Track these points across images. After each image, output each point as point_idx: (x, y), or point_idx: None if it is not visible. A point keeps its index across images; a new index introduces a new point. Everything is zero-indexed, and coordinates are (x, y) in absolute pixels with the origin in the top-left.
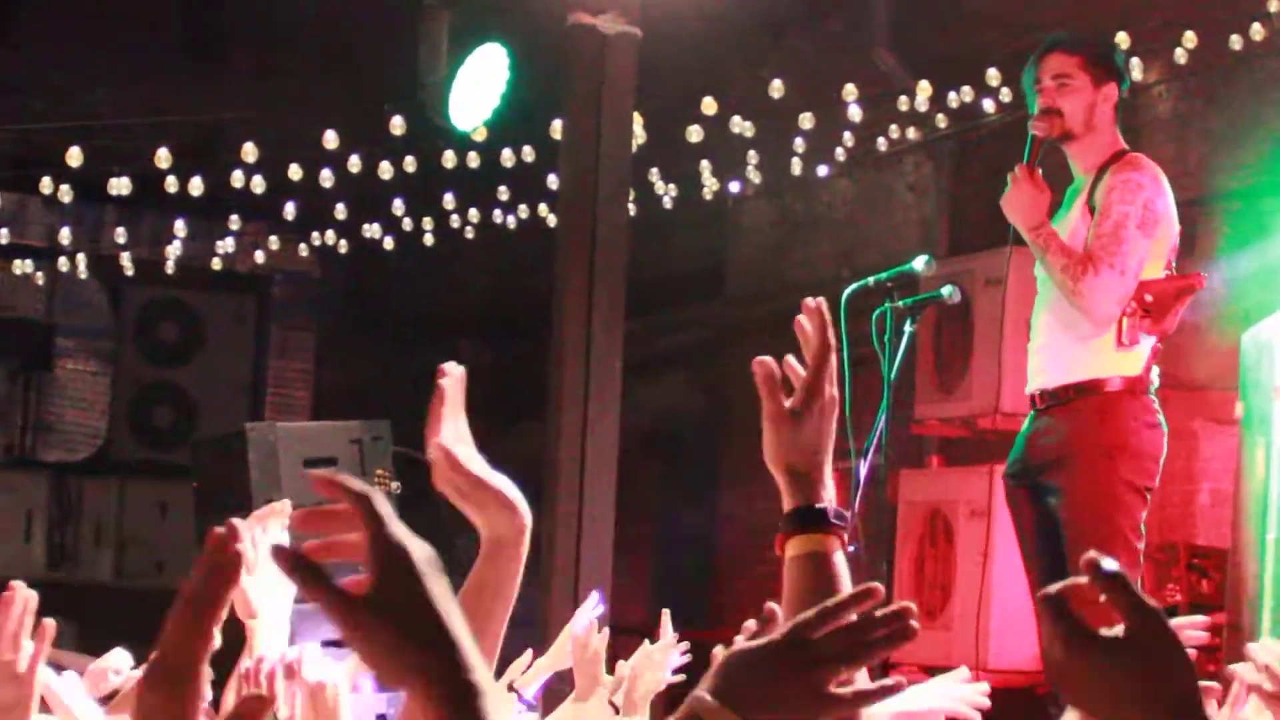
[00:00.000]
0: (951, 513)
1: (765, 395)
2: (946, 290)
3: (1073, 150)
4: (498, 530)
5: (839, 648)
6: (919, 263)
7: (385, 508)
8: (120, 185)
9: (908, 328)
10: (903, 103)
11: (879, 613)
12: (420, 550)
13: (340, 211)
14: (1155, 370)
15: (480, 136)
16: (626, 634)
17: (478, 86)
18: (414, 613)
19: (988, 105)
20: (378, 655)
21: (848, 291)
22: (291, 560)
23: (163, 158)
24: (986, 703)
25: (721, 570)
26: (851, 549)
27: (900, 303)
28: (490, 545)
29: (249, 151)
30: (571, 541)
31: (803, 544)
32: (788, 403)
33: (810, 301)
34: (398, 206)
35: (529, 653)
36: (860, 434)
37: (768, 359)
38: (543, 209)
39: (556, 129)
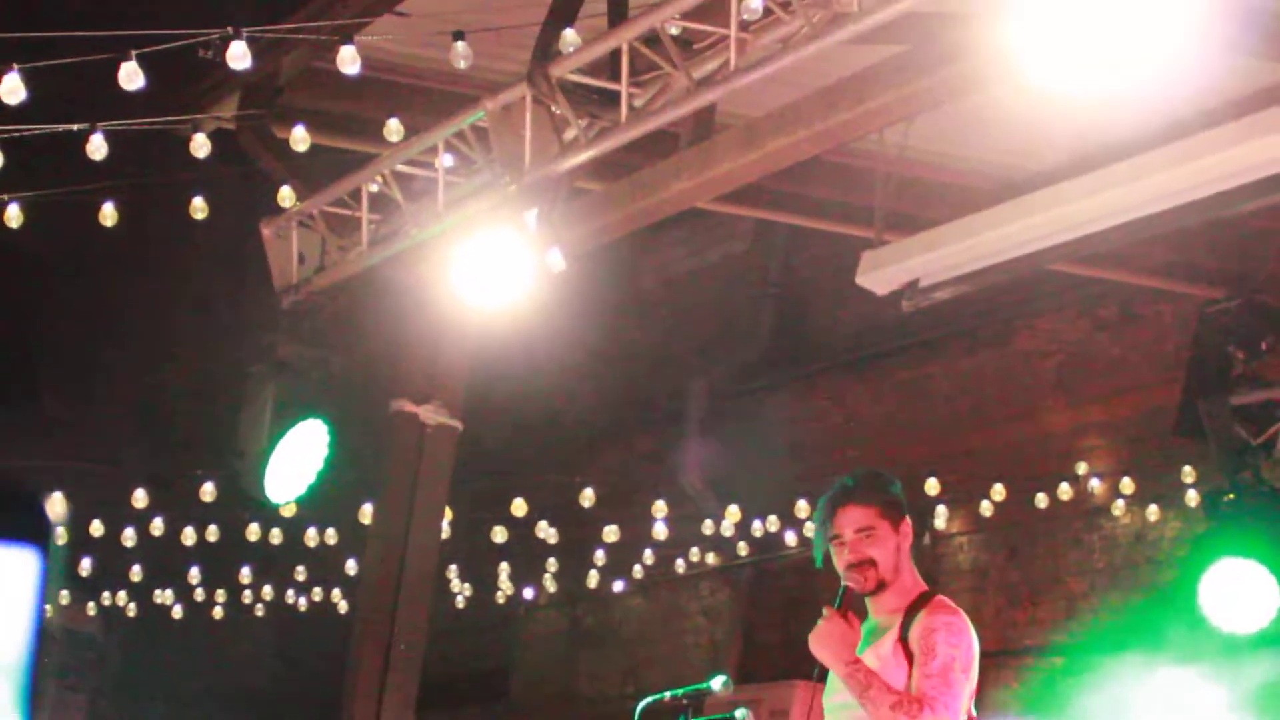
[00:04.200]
0: None
1: None
2: (740, 714)
3: (881, 595)
4: None
5: None
6: (716, 683)
7: None
8: None
9: None
10: (707, 526)
11: None
12: None
13: (135, 574)
14: None
15: (290, 513)
16: None
17: (295, 462)
18: None
19: (790, 537)
20: None
21: (643, 704)
22: None
23: None
24: None
25: None
26: None
27: None
28: None
29: (56, 503)
30: None
31: None
32: None
33: None
34: (193, 575)
35: None
36: None
37: None
38: (336, 594)
39: (365, 513)
